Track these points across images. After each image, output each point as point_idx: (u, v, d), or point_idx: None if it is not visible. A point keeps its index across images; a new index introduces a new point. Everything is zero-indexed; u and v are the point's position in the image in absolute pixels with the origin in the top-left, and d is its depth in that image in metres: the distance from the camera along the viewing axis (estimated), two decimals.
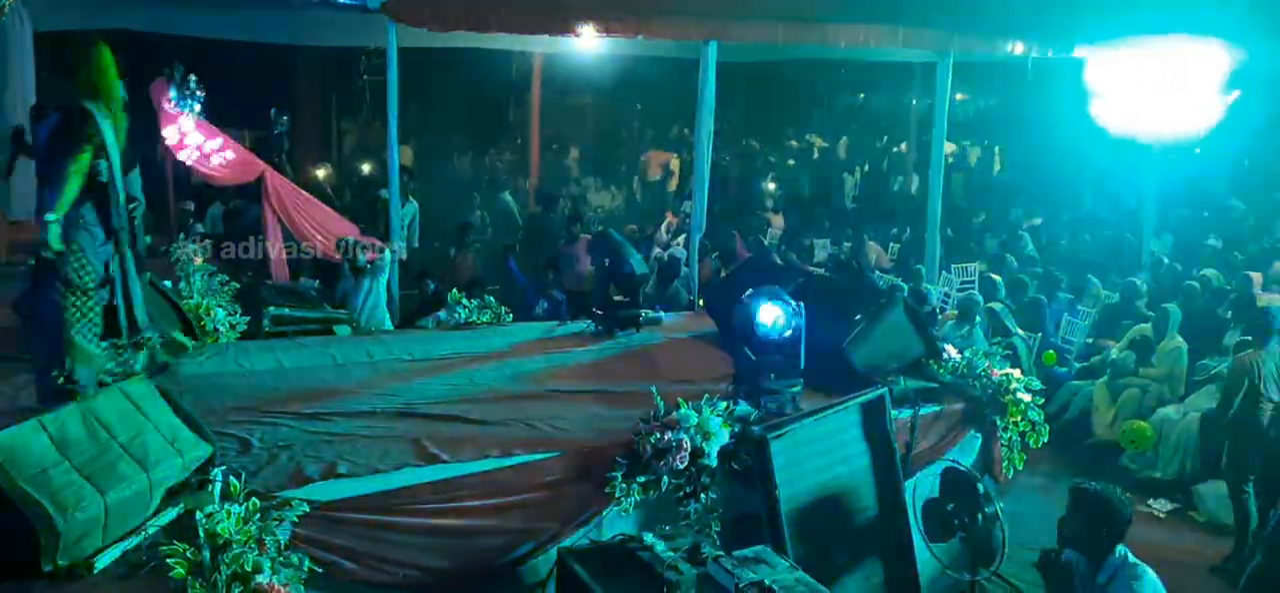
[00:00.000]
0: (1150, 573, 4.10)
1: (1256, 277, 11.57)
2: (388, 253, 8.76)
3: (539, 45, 12.12)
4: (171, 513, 3.89)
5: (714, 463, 4.70)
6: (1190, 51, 8.64)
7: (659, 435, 4.65)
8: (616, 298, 6.91)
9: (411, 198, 11.22)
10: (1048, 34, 10.18)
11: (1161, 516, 7.76)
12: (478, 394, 5.55)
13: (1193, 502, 7.79)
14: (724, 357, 6.13)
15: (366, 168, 14.73)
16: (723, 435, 4.77)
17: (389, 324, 8.42)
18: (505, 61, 15.30)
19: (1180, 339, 8.78)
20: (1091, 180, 16.41)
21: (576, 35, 8.88)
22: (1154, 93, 8.87)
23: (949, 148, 19.45)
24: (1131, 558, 4.12)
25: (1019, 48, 10.28)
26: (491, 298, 7.81)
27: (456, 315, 7.43)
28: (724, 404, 4.99)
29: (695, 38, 9.03)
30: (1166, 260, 12.08)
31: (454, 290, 7.80)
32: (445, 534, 4.45)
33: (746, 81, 16.26)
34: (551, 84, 15.24)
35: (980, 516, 5.05)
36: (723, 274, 9.63)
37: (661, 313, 7.45)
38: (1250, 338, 7.58)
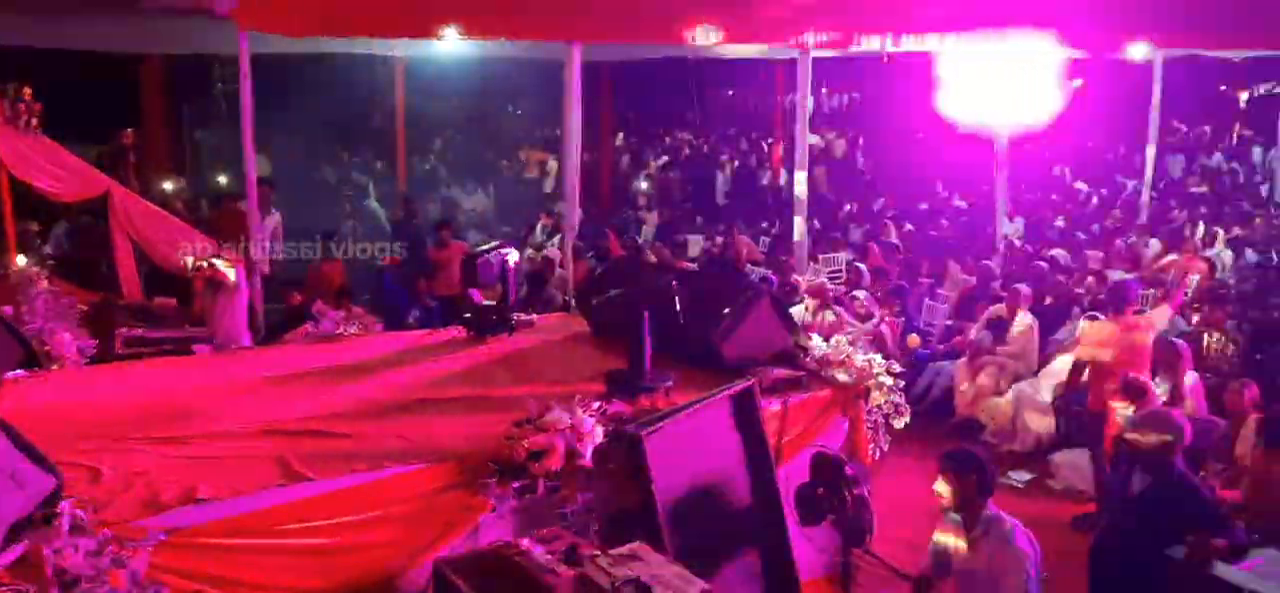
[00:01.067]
0: (1018, 524, 4.34)
1: (1097, 255, 12.30)
2: (248, 266, 8.46)
3: (404, 48, 11.91)
4: (15, 551, 3.65)
5: (590, 463, 4.70)
6: (1030, 45, 9.08)
7: (532, 439, 4.62)
8: (487, 303, 6.84)
9: (273, 208, 10.87)
10: (901, 28, 10.54)
11: (1021, 486, 8.13)
12: (345, 408, 5.40)
13: (1049, 471, 8.21)
14: (598, 356, 6.13)
15: (224, 179, 14.19)
16: (597, 435, 4.77)
17: (248, 340, 8.14)
18: (369, 66, 14.98)
19: (1031, 317, 9.24)
20: (945, 169, 17.09)
21: (438, 38, 8.76)
22: (999, 85, 9.29)
23: (814, 140, 20.06)
24: (998, 512, 4.35)
25: (875, 42, 10.62)
26: (359, 309, 7.63)
27: (322, 328, 7.22)
28: (598, 404, 4.99)
29: (559, 39, 9.03)
30: (1018, 243, 12.72)
31: (318, 302, 7.59)
32: (315, 554, 4.31)
33: (618, 80, 16.36)
34: (419, 88, 14.98)
35: (849, 496, 5.22)
36: (597, 274, 9.65)
37: (534, 316, 7.41)
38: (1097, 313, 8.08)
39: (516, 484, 4.62)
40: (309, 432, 5.02)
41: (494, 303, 6.84)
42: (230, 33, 8.34)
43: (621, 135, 19.93)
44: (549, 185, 16.20)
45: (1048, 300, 9.98)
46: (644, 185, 16.59)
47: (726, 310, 5.73)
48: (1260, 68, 20.95)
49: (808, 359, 5.99)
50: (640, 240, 12.13)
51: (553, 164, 16.46)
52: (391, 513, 4.47)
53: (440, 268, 10.28)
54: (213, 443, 4.88)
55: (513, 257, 7.19)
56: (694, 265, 11.24)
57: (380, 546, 4.42)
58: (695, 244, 13.02)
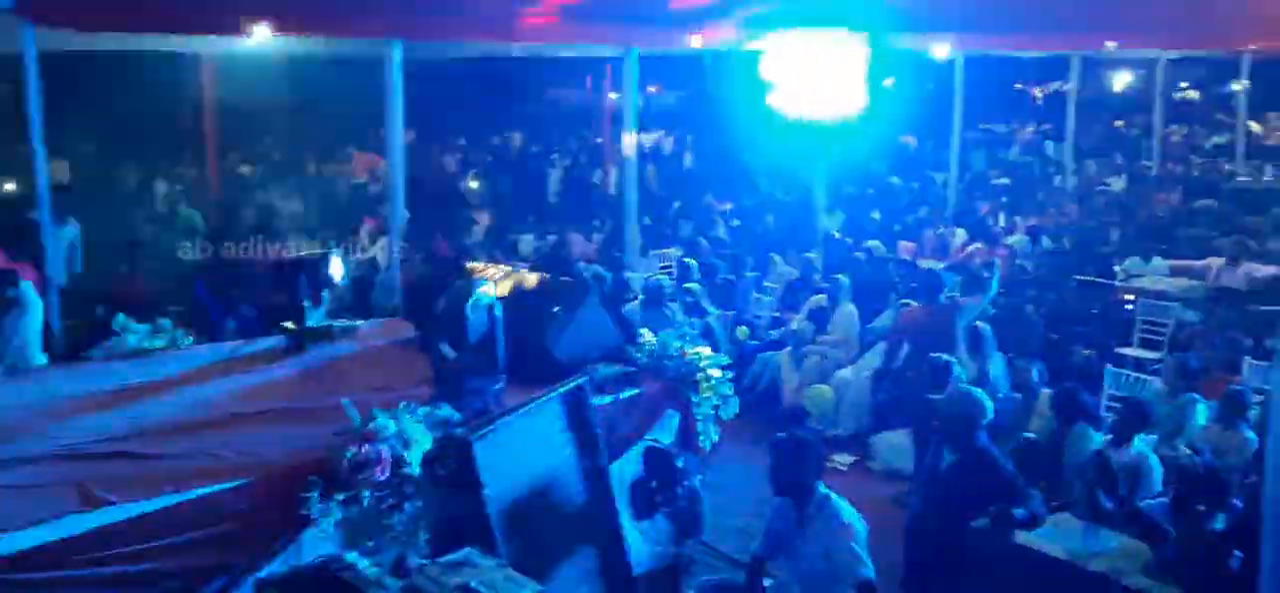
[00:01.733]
0: (844, 502, 4.49)
1: (909, 245, 12.96)
2: (40, 281, 7.85)
3: (215, 46, 11.30)
4: None
5: (417, 471, 4.58)
6: (840, 42, 9.45)
7: (356, 449, 4.46)
8: (308, 309, 6.58)
9: (70, 218, 10.12)
10: (723, 25, 10.78)
11: (844, 468, 8.47)
12: (152, 427, 5.07)
13: (870, 453, 8.58)
14: (425, 361, 5.99)
15: (11, 187, 13.11)
16: (425, 441, 4.65)
17: (43, 359, 7.54)
18: (177, 65, 14.14)
19: (851, 306, 9.64)
20: (769, 165, 17.61)
21: (248, 36, 8.35)
22: (813, 81, 9.61)
23: (644, 138, 20.29)
24: (827, 491, 4.49)
25: (698, 41, 10.83)
26: (167, 321, 7.16)
27: (127, 343, 6.75)
28: (425, 409, 4.87)
29: (377, 36, 8.77)
30: (837, 235, 13.25)
31: (121, 315, 7.09)
32: (123, 583, 4.03)
33: (443, 79, 16.04)
34: (233, 88, 14.25)
35: (681, 489, 5.31)
36: (425, 276, 9.44)
37: (359, 322, 7.17)
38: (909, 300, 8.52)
39: (340, 497, 4.45)
40: (112, 454, 4.69)
41: (314, 310, 6.58)
42: (10, 27, 7.69)
43: (451, 136, 19.61)
44: (377, 189, 15.74)
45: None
46: (475, 185, 16.37)
47: (556, 309, 5.71)
48: (1052, 66, 22.54)
49: (639, 355, 6.03)
50: (470, 242, 11.96)
51: (382, 167, 16.00)
52: (203, 535, 4.22)
53: (257, 276, 9.82)
54: (5, 470, 4.49)
55: (336, 262, 6.96)
56: (525, 265, 11.16)
57: (193, 569, 4.17)
58: (527, 244, 12.95)
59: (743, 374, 9.78)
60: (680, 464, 5.32)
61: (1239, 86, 19.74)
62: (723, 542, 6.09)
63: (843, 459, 8.57)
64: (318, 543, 4.44)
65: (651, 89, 23.85)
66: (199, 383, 5.84)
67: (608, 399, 5.54)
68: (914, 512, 5.33)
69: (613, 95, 16.70)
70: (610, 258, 11.62)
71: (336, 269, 6.74)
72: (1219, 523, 4.23)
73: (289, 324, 6.58)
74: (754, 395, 9.68)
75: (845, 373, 9.20)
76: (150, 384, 5.78)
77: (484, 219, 14.14)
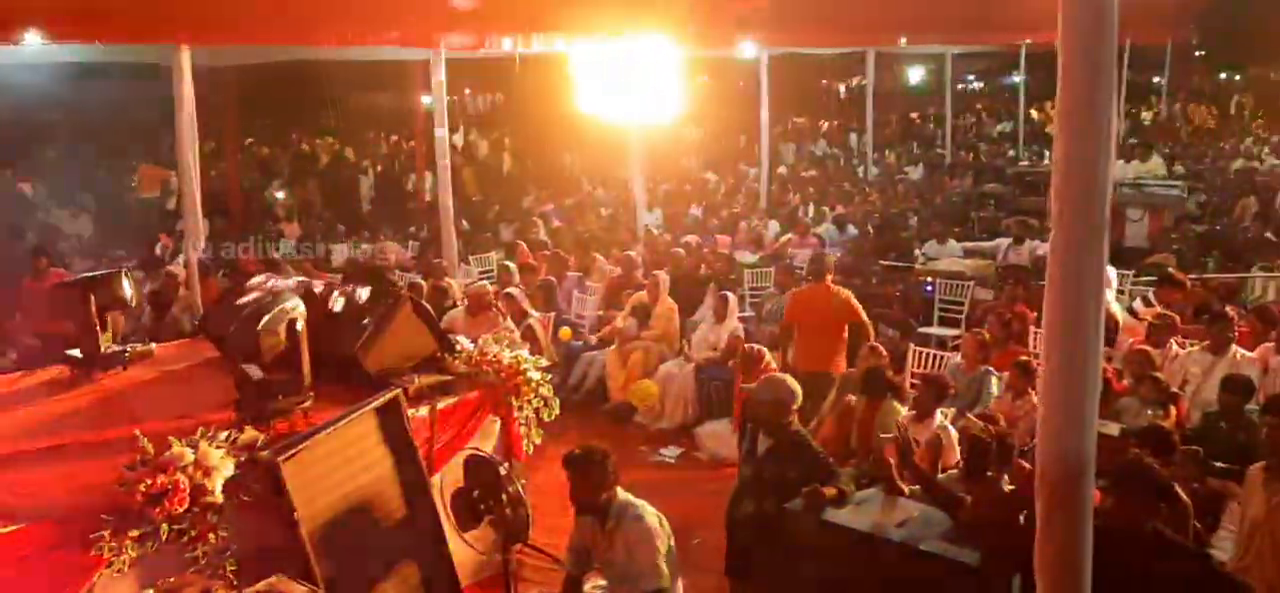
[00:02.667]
0: (646, 506, 4.52)
1: (724, 239, 13.29)
2: None
3: None
4: None
5: (221, 499, 4.33)
6: (650, 45, 9.59)
7: (150, 481, 4.18)
8: (99, 334, 6.11)
9: None
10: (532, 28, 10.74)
11: (672, 461, 8.59)
12: None
13: (696, 443, 8.74)
14: (228, 383, 5.68)
15: None
16: (228, 467, 4.41)
17: None
18: None
19: (672, 301, 9.80)
20: (587, 164, 17.73)
21: (15, 44, 7.69)
22: (626, 83, 9.71)
23: (458, 141, 20.00)
24: (627, 497, 4.50)
25: (507, 42, 10.74)
26: None
27: None
28: (227, 433, 4.62)
29: (162, 41, 8.24)
30: (657, 232, 13.45)
31: None
32: None
33: (243, 86, 15.28)
34: (5, 101, 13.11)
35: (505, 496, 5.23)
36: (227, 293, 8.96)
37: (154, 345, 6.73)
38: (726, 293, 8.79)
39: (135, 534, 4.16)
40: None
41: (103, 334, 6.12)
42: None
43: (252, 144, 18.75)
44: (172, 203, 14.86)
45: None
46: (280, 195, 15.71)
47: (366, 321, 5.53)
48: (850, 62, 23.64)
49: (456, 363, 5.92)
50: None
51: (175, 181, 15.10)
52: None
53: (39, 301, 9.07)
54: None
55: (128, 282, 6.48)
56: (337, 277, 10.78)
57: None
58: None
59: (568, 374, 9.83)
60: (503, 471, 5.24)
61: (1018, 77, 21.27)
62: (552, 544, 6.05)
63: (670, 453, 8.69)
64: (114, 584, 4.16)
65: (467, 91, 23.56)
66: None
67: (425, 410, 5.42)
68: (734, 497, 5.46)
69: (425, 98, 16.35)
70: (428, 265, 11.38)
71: (128, 290, 6.28)
72: (1007, 486, 4.53)
73: (75, 351, 6.11)
74: (580, 395, 9.72)
75: (669, 366, 9.33)
76: None
77: (292, 230, 13.59)
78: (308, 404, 5.00)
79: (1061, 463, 2.43)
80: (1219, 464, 5.67)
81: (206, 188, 9.91)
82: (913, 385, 7.85)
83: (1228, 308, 8.79)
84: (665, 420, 9.11)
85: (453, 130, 15.86)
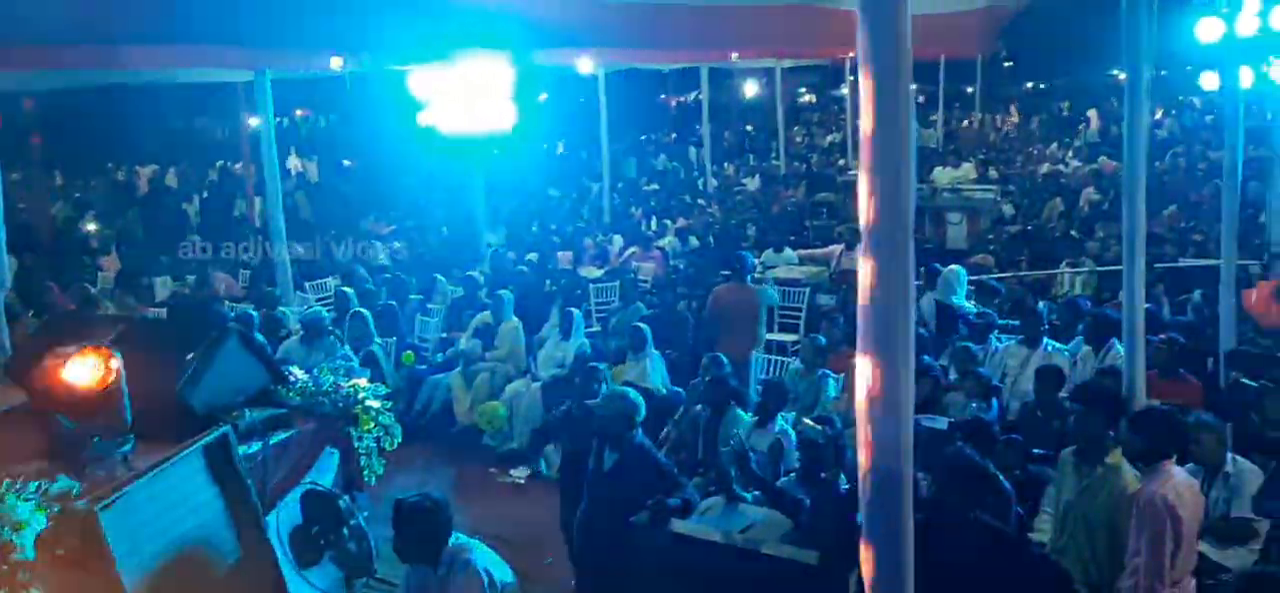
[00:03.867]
0: (479, 545, 4.44)
1: (566, 255, 13.32)
2: None
3: None
4: None
5: (31, 556, 4.03)
6: (487, 63, 9.52)
7: None
8: None
9: None
10: (365, 48, 10.48)
11: (521, 481, 8.53)
12: None
13: (546, 462, 8.69)
14: (39, 429, 5.29)
15: None
16: (39, 522, 4.11)
17: None
18: None
19: (516, 320, 9.73)
20: (427, 184, 17.45)
21: None
22: (464, 100, 9.62)
23: (292, 164, 19.34)
24: (460, 540, 4.40)
25: (337, 63, 10.44)
26: None
27: None
28: (37, 485, 4.30)
29: None
30: (500, 250, 13.35)
31: None
32: None
33: (47, 111, 14.34)
34: None
35: (346, 529, 5.08)
36: (37, 333, 8.35)
37: None
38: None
39: None
40: None
41: None
42: None
43: (59, 176, 17.59)
44: None
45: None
46: (94, 227, 14.79)
47: (190, 357, 5.26)
48: (689, 77, 24.14)
49: (290, 395, 5.71)
50: (95, 290, 10.77)
51: None
52: None
53: None
54: None
55: None
56: (162, 311, 10.24)
57: None
58: (164, 285, 11.89)
59: (413, 399, 9.62)
60: (343, 504, 5.09)
61: (845, 90, 22.18)
62: (393, 573, 5.91)
63: (520, 473, 8.62)
64: None
65: (298, 111, 22.81)
66: None
67: (257, 446, 5.19)
68: (581, 513, 5.46)
69: (253, 120, 15.74)
70: (260, 293, 10.94)
71: None
72: (844, 485, 4.70)
73: None
74: (427, 420, 9.54)
75: (516, 386, 9.26)
76: None
77: (110, 263, 12.83)
78: (128, 449, 4.71)
79: (881, 457, 2.55)
80: (1037, 451, 6.05)
81: (11, 221, 9.20)
82: (757, 392, 8.05)
83: (1040, 303, 9.44)
84: (514, 441, 9.03)
85: (284, 152, 15.34)
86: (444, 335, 10.52)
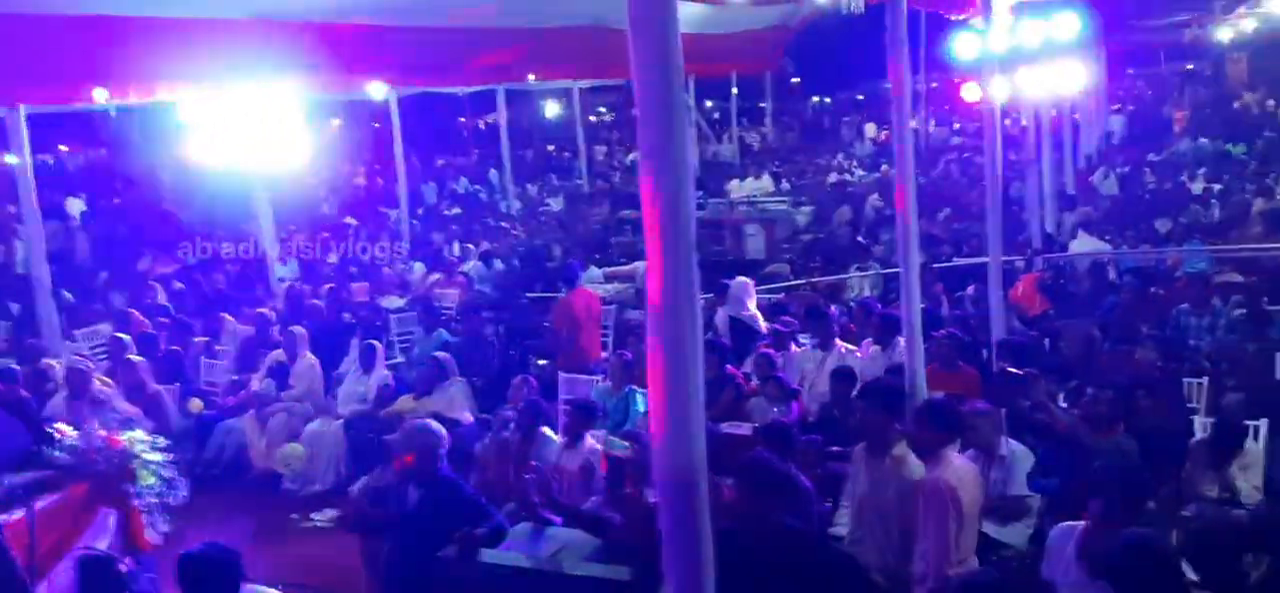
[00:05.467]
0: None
1: (362, 285, 12.92)
2: None
3: None
4: None
5: None
6: (271, 90, 9.13)
7: None
8: None
9: None
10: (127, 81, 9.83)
11: (326, 525, 8.12)
12: None
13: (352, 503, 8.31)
14: None
15: None
16: None
17: None
18: None
19: (312, 357, 9.32)
20: (208, 220, 16.50)
21: None
22: (245, 131, 9.18)
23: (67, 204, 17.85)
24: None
25: (101, 95, 9.73)
26: None
27: None
28: None
29: None
30: (295, 283, 12.75)
31: None
32: None
33: None
34: None
35: None
36: None
37: None
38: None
39: None
40: None
41: None
42: None
43: None
44: None
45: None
46: None
47: None
48: (485, 100, 23.96)
49: (58, 455, 5.23)
50: None
51: None
52: None
53: None
54: None
55: None
56: None
57: None
58: None
59: (203, 447, 9.03)
60: (122, 568, 4.71)
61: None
62: None
63: (324, 516, 8.22)
64: None
65: (62, 147, 21.16)
66: None
67: (20, 513, 4.73)
68: (388, 554, 5.26)
69: (9, 158, 14.45)
70: (22, 346, 10.00)
71: None
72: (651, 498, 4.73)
73: None
74: (219, 468, 8.96)
75: (315, 426, 8.85)
76: None
77: None
78: None
79: (676, 468, 2.56)
80: (835, 449, 6.29)
81: None
82: (564, 412, 8.02)
83: (832, 307, 9.88)
84: (317, 484, 8.62)
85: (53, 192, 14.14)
86: (234, 378, 9.93)
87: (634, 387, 7.99)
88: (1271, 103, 28.02)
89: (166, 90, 9.76)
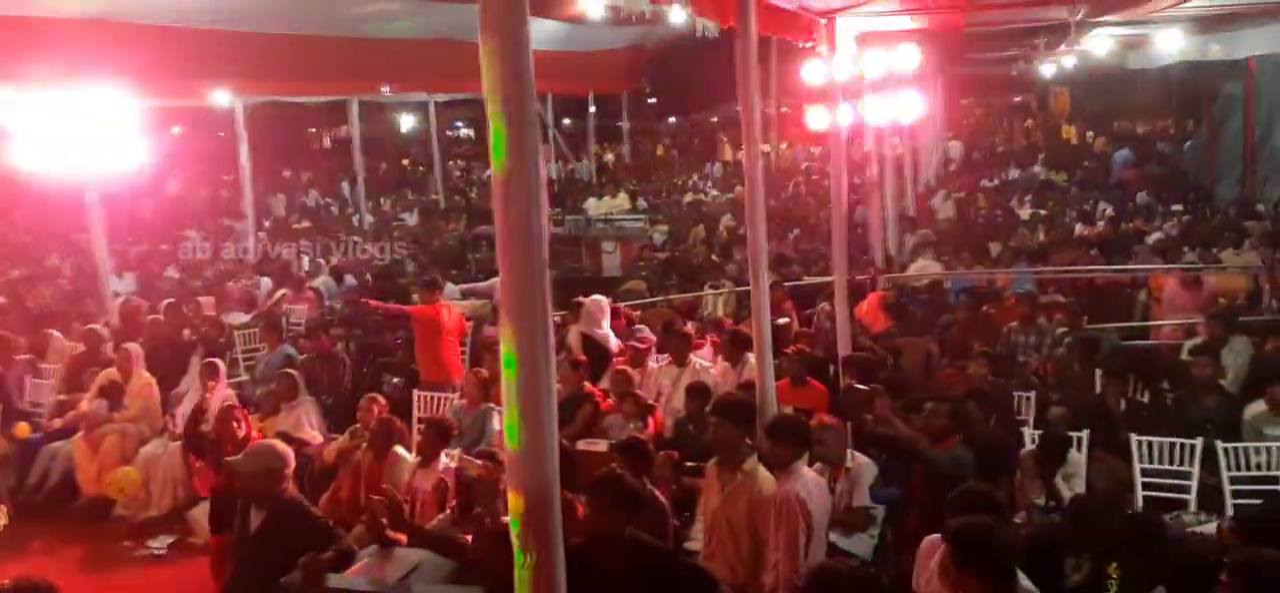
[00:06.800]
0: None
1: (209, 299, 12.39)
2: None
3: None
4: None
5: None
6: (101, 94, 8.65)
7: None
8: None
9: None
10: None
11: (163, 552, 7.72)
12: None
13: (190, 528, 7.92)
14: None
15: None
16: None
17: None
18: None
19: (148, 375, 8.86)
20: (34, 230, 15.56)
21: None
22: (76, 135, 8.65)
23: None
24: None
25: None
26: None
27: None
28: None
29: None
30: (131, 297, 12.09)
31: None
32: None
33: None
34: None
35: None
36: None
37: None
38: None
39: None
40: None
41: None
42: None
43: None
44: None
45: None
46: None
47: None
48: (337, 111, 23.35)
49: None
50: None
51: None
52: None
53: None
54: None
55: None
56: None
57: None
58: None
59: (26, 471, 8.44)
60: None
61: None
62: None
63: (160, 543, 7.79)
64: None
65: None
66: None
67: None
68: (229, 581, 5.04)
69: None
70: None
71: None
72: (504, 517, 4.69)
73: None
74: (44, 495, 8.39)
75: (152, 448, 8.40)
76: None
77: None
78: None
79: (530, 485, 2.56)
80: (690, 464, 6.39)
81: None
82: (419, 431, 7.86)
83: (687, 324, 10.03)
84: (152, 508, 8.17)
85: None
86: (61, 397, 9.32)
87: (491, 405, 7.91)
88: (1091, 134, 30.20)
89: None
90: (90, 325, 10.19)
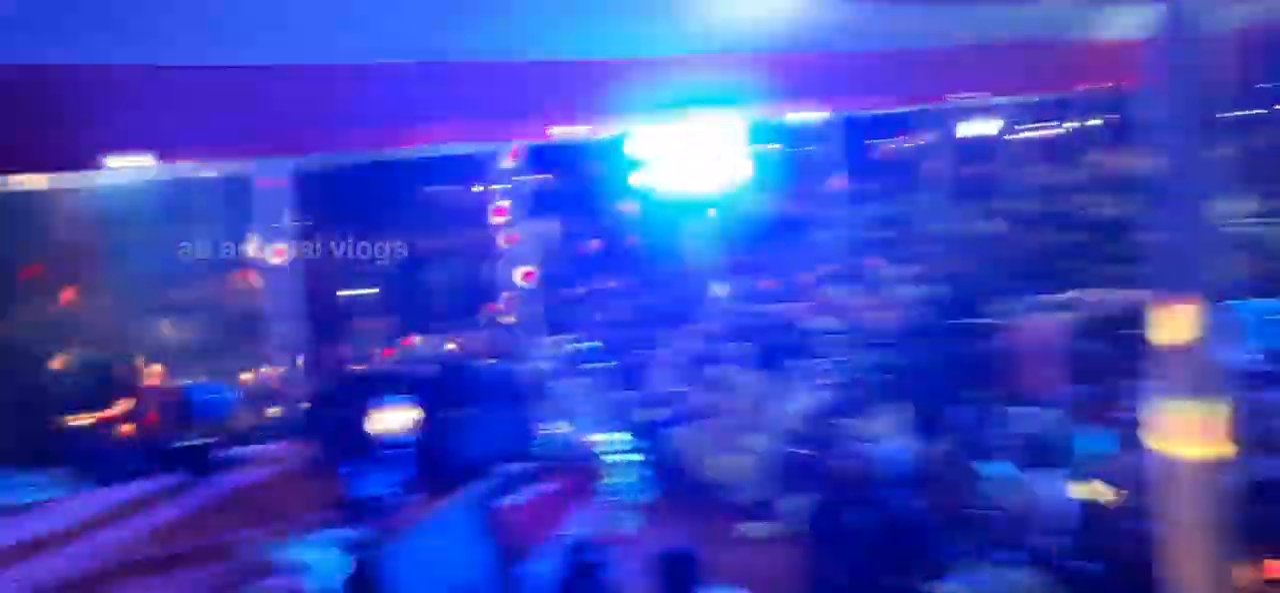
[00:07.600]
0: None
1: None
2: None
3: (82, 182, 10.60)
4: None
5: None
6: (716, 120, 9.66)
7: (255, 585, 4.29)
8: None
9: None
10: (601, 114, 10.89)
11: (759, 536, 8.35)
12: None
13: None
14: (329, 481, 5.82)
15: None
16: (331, 565, 4.50)
17: None
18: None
19: (758, 373, 9.66)
20: (660, 244, 17.66)
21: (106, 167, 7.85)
22: (692, 159, 9.74)
23: (537, 228, 20.03)
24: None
25: (578, 129, 10.88)
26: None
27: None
28: (329, 531, 4.72)
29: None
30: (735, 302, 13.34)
31: None
32: None
33: (327, 187, 15.56)
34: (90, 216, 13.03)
35: (597, 584, 5.22)
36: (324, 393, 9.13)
37: (255, 447, 6.91)
38: None
39: None
40: None
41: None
42: None
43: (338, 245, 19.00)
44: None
45: None
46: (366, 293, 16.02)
47: (461, 412, 5.63)
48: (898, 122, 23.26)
49: (544, 449, 5.96)
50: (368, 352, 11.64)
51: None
52: None
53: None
54: None
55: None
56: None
57: None
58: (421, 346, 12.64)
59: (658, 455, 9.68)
60: (593, 558, 5.25)
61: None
62: None
63: (757, 527, 8.44)
64: None
65: (540, 176, 23.71)
66: (90, 532, 5.54)
67: (518, 498, 5.46)
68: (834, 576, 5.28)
69: (495, 187, 16.58)
70: (503, 351, 11.43)
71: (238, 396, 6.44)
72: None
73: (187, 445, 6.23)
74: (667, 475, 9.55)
75: (751, 440, 9.15)
76: (37, 540, 5.46)
77: (378, 327, 13.83)
78: (413, 497, 5.07)
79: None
80: None
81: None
82: None
83: None
84: (748, 494, 8.91)
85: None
86: (679, 389, 10.55)
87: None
88: None
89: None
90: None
